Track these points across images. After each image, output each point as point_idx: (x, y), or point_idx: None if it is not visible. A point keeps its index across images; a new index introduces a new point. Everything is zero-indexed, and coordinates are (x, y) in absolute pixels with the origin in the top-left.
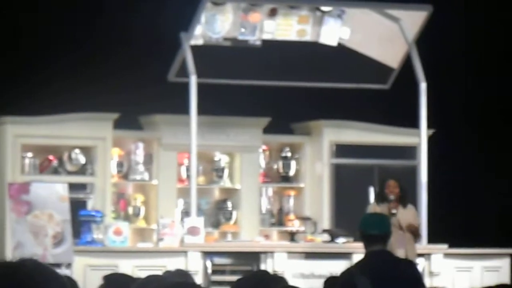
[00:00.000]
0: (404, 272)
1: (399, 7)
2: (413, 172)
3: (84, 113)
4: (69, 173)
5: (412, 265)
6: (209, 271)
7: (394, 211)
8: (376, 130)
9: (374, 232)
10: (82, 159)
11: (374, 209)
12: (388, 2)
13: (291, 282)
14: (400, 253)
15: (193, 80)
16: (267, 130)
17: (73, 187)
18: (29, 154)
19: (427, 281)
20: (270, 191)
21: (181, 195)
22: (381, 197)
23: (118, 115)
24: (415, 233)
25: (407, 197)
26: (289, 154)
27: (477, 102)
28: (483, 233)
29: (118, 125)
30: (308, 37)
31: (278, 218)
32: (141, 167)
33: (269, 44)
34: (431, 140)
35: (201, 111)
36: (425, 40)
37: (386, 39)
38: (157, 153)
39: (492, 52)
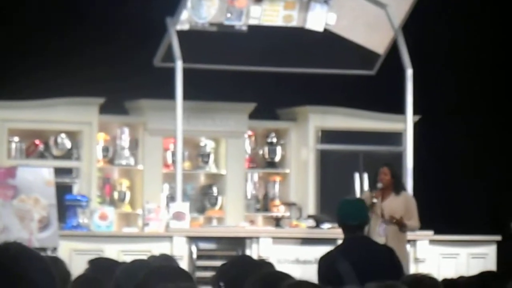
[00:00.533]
0: (383, 258)
1: None
2: (398, 158)
3: (70, 97)
4: (55, 157)
5: (391, 252)
6: (194, 256)
7: (375, 200)
8: (362, 116)
9: (353, 222)
10: (68, 144)
11: (365, 196)
12: None
13: (276, 267)
14: (379, 240)
15: (179, 65)
16: (253, 115)
17: (59, 171)
18: (16, 139)
19: (412, 267)
20: (256, 177)
21: (166, 180)
22: (374, 185)
23: (104, 100)
24: (398, 224)
25: (400, 184)
26: (274, 140)
27: (462, 89)
28: (469, 219)
29: (104, 110)
30: (294, 23)
31: (264, 203)
32: (126, 152)
33: (255, 30)
34: (416, 126)
35: (186, 96)
36: (411, 26)
37: (373, 25)
38: (142, 138)
39: (478, 39)
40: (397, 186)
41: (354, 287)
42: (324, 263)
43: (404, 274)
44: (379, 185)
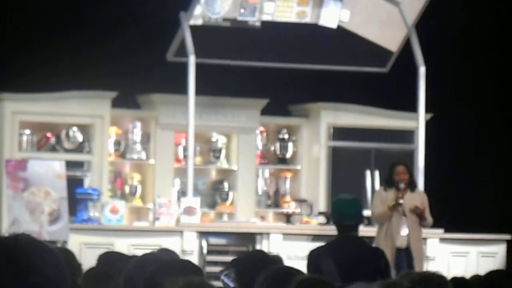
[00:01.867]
0: (369, 260)
1: None
2: (410, 156)
3: (82, 91)
4: (67, 150)
5: (379, 255)
6: (205, 251)
7: (401, 201)
8: (374, 114)
9: (348, 222)
10: (80, 137)
11: (381, 195)
12: None
13: (286, 263)
14: (402, 239)
15: (192, 60)
16: (265, 111)
17: (70, 164)
18: (27, 131)
19: (423, 265)
20: (267, 173)
21: (177, 175)
22: (389, 183)
23: (116, 93)
24: (420, 216)
25: (415, 181)
26: (286, 136)
27: (475, 87)
28: (480, 218)
29: (116, 103)
30: (307, 19)
31: (274, 199)
32: (138, 146)
33: (268, 26)
34: (429, 124)
35: (199, 91)
36: (424, 24)
37: (386, 22)
38: (154, 132)
39: (491, 37)
40: (413, 183)
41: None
42: (310, 258)
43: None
44: (402, 185)
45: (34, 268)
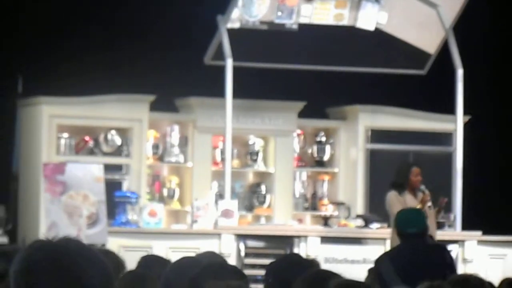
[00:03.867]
0: (433, 258)
1: None
2: (448, 158)
3: (120, 94)
4: (105, 154)
5: (442, 250)
6: (242, 254)
7: (429, 204)
8: (412, 116)
9: (412, 230)
10: (118, 141)
11: (398, 199)
12: None
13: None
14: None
15: (229, 63)
16: (302, 114)
17: (108, 168)
18: (65, 135)
19: (460, 267)
20: (304, 176)
21: (215, 178)
22: (404, 185)
23: (155, 97)
24: (439, 211)
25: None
26: (323, 139)
27: None
28: None
29: (154, 107)
30: (345, 22)
31: (312, 202)
32: (176, 150)
33: (305, 28)
34: (467, 126)
35: (236, 94)
36: (462, 26)
37: (424, 25)
38: (192, 135)
39: None
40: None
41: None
42: (374, 263)
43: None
44: (423, 187)
45: (80, 275)
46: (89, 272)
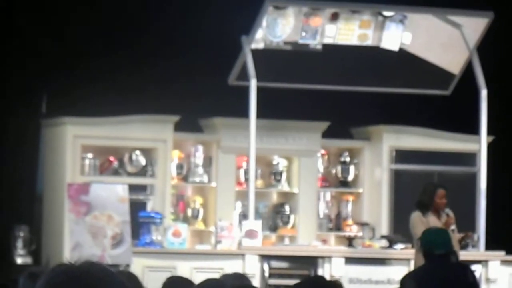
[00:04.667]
0: (456, 277)
1: (461, 13)
2: (472, 178)
3: (145, 115)
4: (129, 174)
5: (465, 269)
6: (266, 274)
7: (453, 227)
8: (436, 136)
9: (439, 251)
10: (143, 161)
11: (421, 220)
12: (449, 8)
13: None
14: None
15: (253, 84)
16: (326, 134)
17: (133, 188)
18: (89, 155)
19: (483, 287)
20: (328, 196)
21: (239, 198)
22: (429, 206)
23: (179, 117)
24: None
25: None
26: (348, 159)
27: None
28: None
29: (179, 127)
30: (369, 42)
31: (336, 223)
32: (200, 170)
33: (330, 48)
34: (491, 147)
35: (260, 114)
36: (486, 46)
37: (448, 45)
38: (216, 155)
39: None
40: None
41: None
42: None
43: None
44: (447, 210)
45: None
46: None
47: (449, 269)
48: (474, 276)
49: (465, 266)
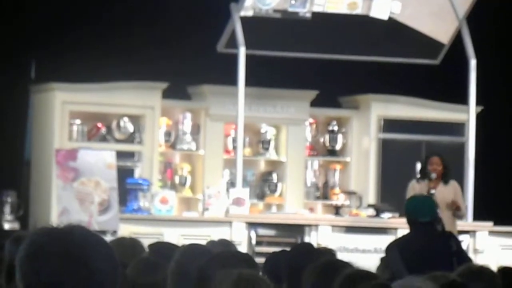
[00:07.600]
0: (440, 246)
1: None
2: (460, 148)
3: (133, 81)
4: (117, 141)
5: (447, 238)
6: (253, 242)
7: (433, 191)
8: (425, 106)
9: (424, 219)
10: (131, 128)
11: (413, 187)
12: None
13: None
14: None
15: (242, 52)
16: (315, 103)
17: (121, 155)
18: (77, 121)
19: (471, 258)
20: (316, 165)
21: (227, 166)
22: (423, 174)
23: (167, 84)
24: (457, 209)
25: (450, 173)
26: (336, 128)
27: None
28: None
29: (167, 94)
30: (358, 11)
31: (323, 191)
32: (188, 137)
33: (319, 17)
34: (479, 117)
35: (248, 82)
36: (475, 16)
37: (437, 15)
38: (204, 123)
39: None
40: (447, 175)
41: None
42: (385, 251)
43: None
44: (433, 175)
45: (86, 261)
46: (95, 257)
47: (433, 238)
48: (458, 245)
49: (450, 235)
